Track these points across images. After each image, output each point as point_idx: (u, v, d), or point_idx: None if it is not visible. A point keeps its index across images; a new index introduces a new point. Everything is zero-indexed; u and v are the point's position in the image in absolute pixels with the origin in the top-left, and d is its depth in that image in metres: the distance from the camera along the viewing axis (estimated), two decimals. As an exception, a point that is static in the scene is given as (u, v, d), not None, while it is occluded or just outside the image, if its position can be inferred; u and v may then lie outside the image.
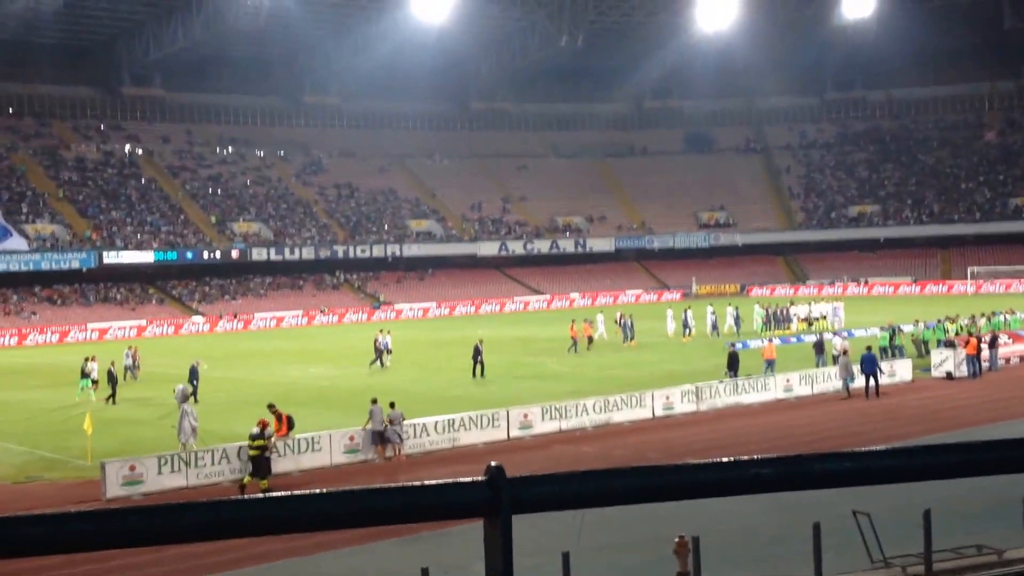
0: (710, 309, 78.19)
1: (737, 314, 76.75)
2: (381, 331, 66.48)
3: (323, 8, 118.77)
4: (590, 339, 69.72)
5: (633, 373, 54.88)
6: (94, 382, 52.58)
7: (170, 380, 52.52)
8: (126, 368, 57.88)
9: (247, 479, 32.61)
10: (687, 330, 74.86)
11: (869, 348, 49.15)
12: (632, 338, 71.33)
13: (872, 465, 3.48)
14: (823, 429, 39.38)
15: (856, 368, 47.19)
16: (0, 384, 59.12)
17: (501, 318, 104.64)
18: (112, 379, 51.61)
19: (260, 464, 32.54)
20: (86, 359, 54.04)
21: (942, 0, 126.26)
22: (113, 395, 50.87)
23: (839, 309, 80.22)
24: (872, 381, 46.33)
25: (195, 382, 50.34)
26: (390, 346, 63.53)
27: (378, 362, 62.38)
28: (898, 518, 18.11)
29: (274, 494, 3.08)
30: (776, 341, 67.37)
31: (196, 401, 47.48)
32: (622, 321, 73.27)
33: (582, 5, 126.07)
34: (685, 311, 76.58)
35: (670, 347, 69.07)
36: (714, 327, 75.64)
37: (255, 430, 32.98)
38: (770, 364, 51.87)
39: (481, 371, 55.34)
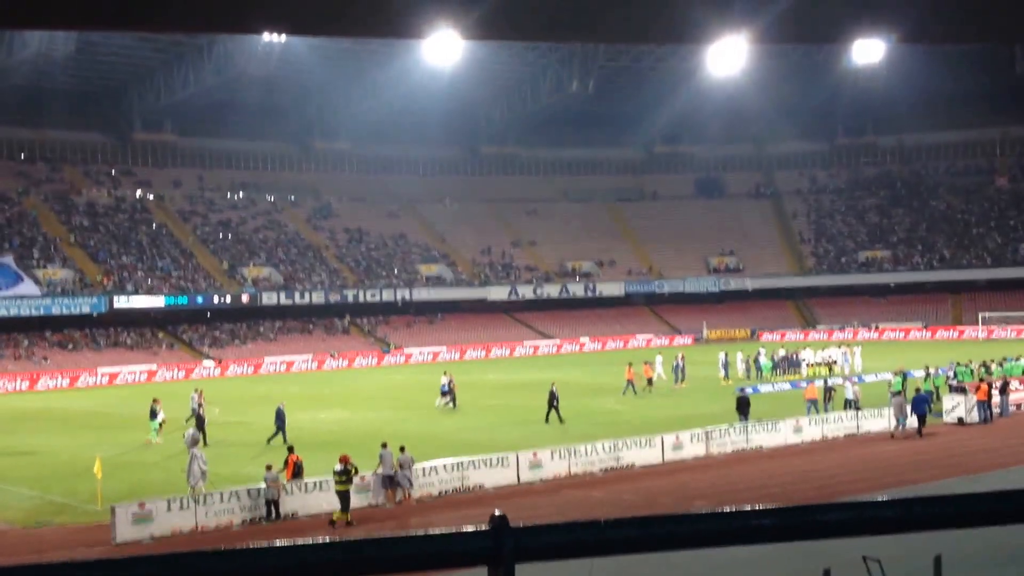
0: (761, 351, 79.54)
1: (773, 356, 79.09)
2: (445, 373, 66.92)
3: (334, 53, 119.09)
4: (649, 380, 70.08)
5: (664, 415, 54.86)
6: (161, 424, 52.58)
7: (237, 426, 52.82)
8: (193, 411, 57.87)
9: (337, 515, 33.59)
10: (725, 373, 75.71)
11: (918, 389, 50.57)
12: (683, 380, 73.10)
13: (877, 515, 3.48)
14: (831, 475, 39.25)
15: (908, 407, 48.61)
16: (11, 428, 59.16)
17: (518, 362, 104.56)
18: (200, 421, 51.65)
19: (345, 499, 33.68)
20: (154, 400, 54.05)
21: (953, 45, 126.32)
22: (203, 435, 50.90)
23: (847, 354, 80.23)
24: (921, 421, 47.81)
25: (282, 425, 50.39)
26: (446, 387, 64.01)
27: (449, 403, 63.20)
28: (909, 564, 18.04)
29: (277, 544, 3.08)
30: (786, 386, 67.78)
31: (284, 442, 47.52)
32: (676, 363, 74.38)
33: (593, 51, 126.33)
34: (723, 354, 77.83)
35: (714, 390, 69.07)
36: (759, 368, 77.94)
37: (338, 467, 34.00)
38: (813, 403, 53.15)
39: (548, 415, 54.79)
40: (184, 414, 56.35)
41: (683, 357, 76.56)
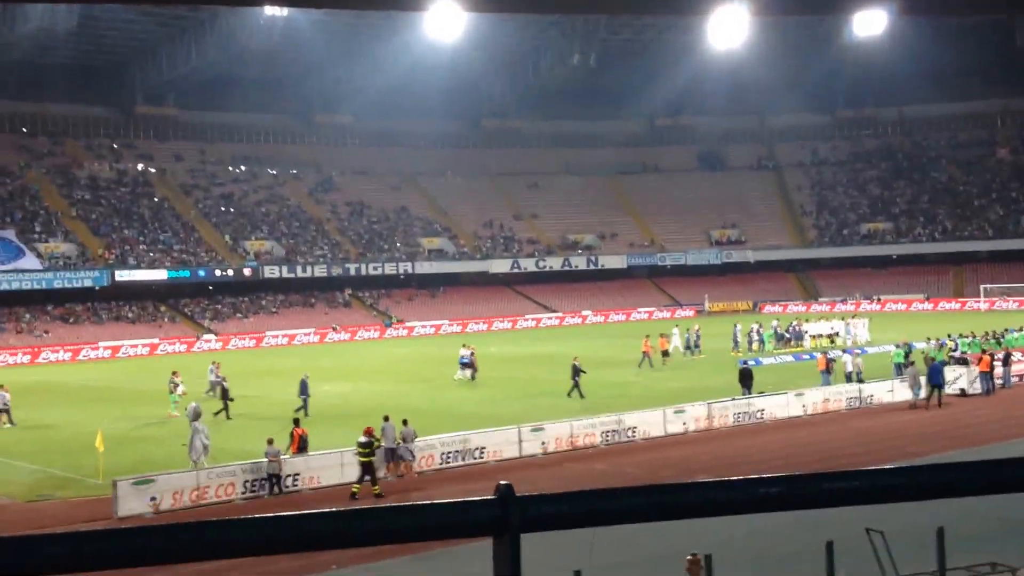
0: (774, 323, 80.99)
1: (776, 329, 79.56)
2: (465, 345, 67.17)
3: (335, 27, 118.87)
4: (665, 352, 69.82)
5: (674, 387, 54.84)
6: (182, 397, 52.57)
7: (240, 400, 52.78)
8: (211, 384, 57.97)
9: (356, 487, 33.72)
10: (736, 345, 76.68)
11: (934, 359, 51.39)
12: (698, 352, 74.01)
13: (880, 484, 3.48)
14: (834, 447, 39.28)
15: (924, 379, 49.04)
16: (13, 403, 59.13)
17: (520, 335, 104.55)
18: (225, 394, 51.66)
19: (369, 470, 33.73)
20: (173, 374, 54.17)
21: (953, 18, 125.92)
22: (226, 409, 50.76)
23: (851, 326, 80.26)
24: (937, 391, 48.27)
25: (305, 396, 50.49)
26: (468, 359, 64.00)
27: (469, 375, 63.08)
28: (912, 536, 18.08)
29: (283, 514, 3.08)
30: (788, 358, 67.89)
31: (307, 415, 47.50)
32: (687, 335, 75.44)
33: (594, 24, 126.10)
34: (735, 326, 79.09)
35: (725, 361, 68.94)
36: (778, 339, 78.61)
37: (363, 439, 34.06)
38: (826, 373, 53.79)
39: (572, 390, 53.39)
40: (201, 387, 56.62)
41: (699, 330, 76.88)
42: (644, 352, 67.65)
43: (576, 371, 54.08)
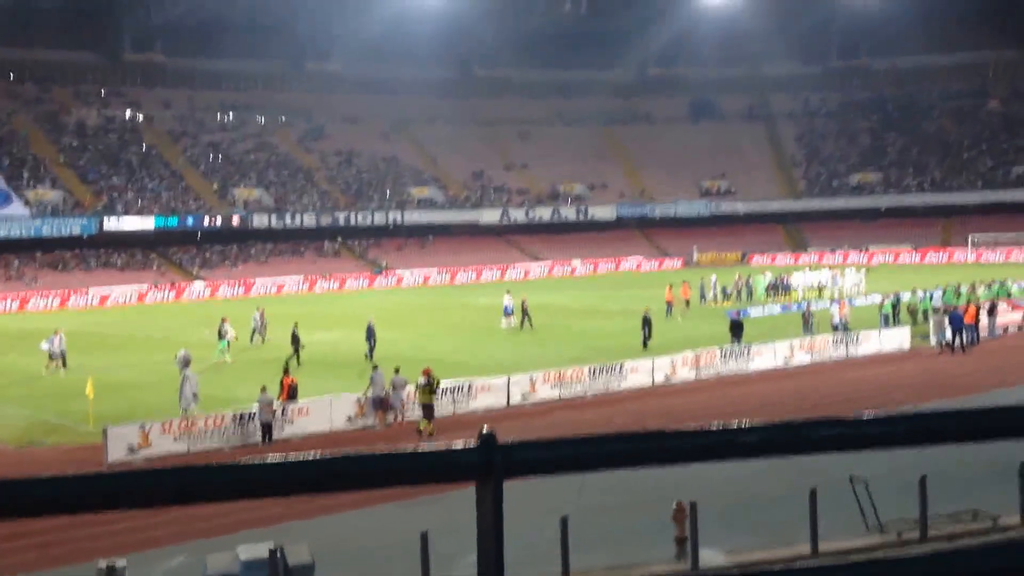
0: (796, 271, 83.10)
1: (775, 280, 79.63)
2: (508, 292, 67.04)
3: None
4: (687, 302, 69.63)
5: (681, 335, 54.86)
6: (229, 344, 52.68)
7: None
8: (254, 330, 58.20)
9: (423, 424, 34.71)
10: (737, 294, 77.09)
11: (955, 307, 52.66)
12: (714, 300, 75.11)
13: (861, 431, 3.53)
14: (820, 396, 39.46)
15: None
16: (2, 348, 59.17)
17: (511, 286, 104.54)
18: (296, 341, 50.94)
19: (429, 410, 34.77)
20: (222, 319, 54.19)
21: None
22: (297, 355, 49.90)
23: (837, 277, 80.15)
24: (959, 337, 49.93)
25: (372, 340, 50.55)
26: (511, 308, 63.44)
27: (516, 323, 62.39)
28: (894, 484, 18.23)
29: (269, 458, 3.12)
30: (776, 308, 68.07)
31: (370, 359, 47.67)
32: (709, 284, 76.52)
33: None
34: (749, 276, 79.83)
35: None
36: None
37: (422, 380, 35.01)
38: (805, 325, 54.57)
39: (646, 341, 52.21)
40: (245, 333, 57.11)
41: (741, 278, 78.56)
42: (668, 301, 67.07)
43: (647, 321, 53.12)
